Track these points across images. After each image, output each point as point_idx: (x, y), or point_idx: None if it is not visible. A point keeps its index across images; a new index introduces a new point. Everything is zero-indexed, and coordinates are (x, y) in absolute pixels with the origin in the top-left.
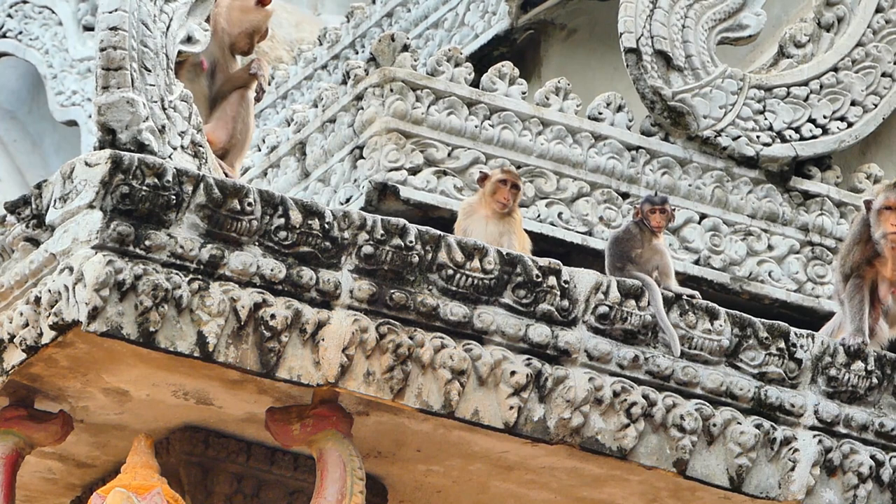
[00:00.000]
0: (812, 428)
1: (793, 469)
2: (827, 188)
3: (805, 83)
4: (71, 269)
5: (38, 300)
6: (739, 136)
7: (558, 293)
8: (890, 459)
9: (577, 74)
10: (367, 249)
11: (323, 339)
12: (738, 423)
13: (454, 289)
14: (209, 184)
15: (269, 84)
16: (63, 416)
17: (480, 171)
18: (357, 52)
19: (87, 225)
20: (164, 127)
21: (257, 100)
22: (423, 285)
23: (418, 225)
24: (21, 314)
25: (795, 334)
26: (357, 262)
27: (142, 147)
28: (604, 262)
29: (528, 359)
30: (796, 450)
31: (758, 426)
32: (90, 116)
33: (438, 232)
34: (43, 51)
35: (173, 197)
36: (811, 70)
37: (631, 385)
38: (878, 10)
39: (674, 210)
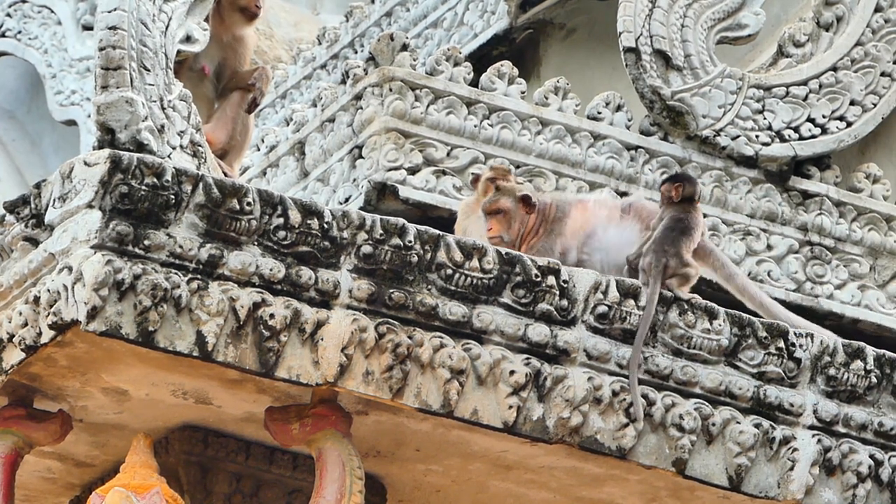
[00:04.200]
0: (811, 427)
1: (792, 468)
2: (826, 188)
3: (804, 83)
4: (70, 269)
5: (37, 300)
6: (738, 136)
7: (557, 293)
8: (889, 459)
9: (576, 74)
10: (367, 249)
11: (322, 339)
12: (738, 422)
13: (453, 288)
14: (208, 183)
15: (268, 85)
16: (62, 416)
17: (472, 174)
18: (356, 52)
19: (87, 224)
20: (163, 126)
21: (248, 111)
22: (422, 285)
23: (417, 224)
24: (20, 314)
25: (794, 334)
26: (356, 261)
27: (141, 147)
28: None
29: (528, 358)
30: (795, 449)
31: (757, 426)
32: (89, 116)
33: (437, 231)
34: (42, 50)
35: (172, 196)
36: (810, 69)
37: (630, 384)
38: (878, 9)
39: None
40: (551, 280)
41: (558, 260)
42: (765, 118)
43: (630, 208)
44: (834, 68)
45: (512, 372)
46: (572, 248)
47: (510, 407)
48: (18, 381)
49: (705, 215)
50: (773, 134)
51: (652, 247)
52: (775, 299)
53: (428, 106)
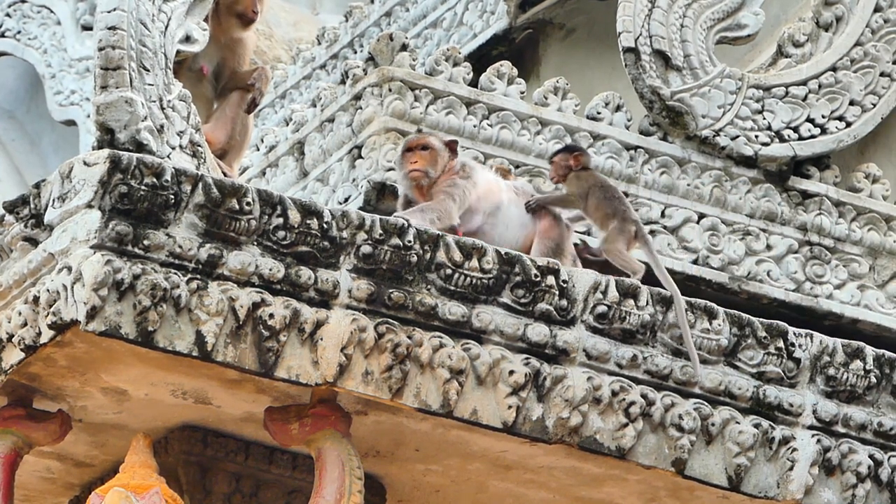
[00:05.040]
0: (811, 427)
1: (791, 468)
2: (825, 188)
3: (804, 83)
4: (69, 269)
5: (36, 300)
6: (738, 136)
7: (557, 293)
8: (888, 459)
9: (575, 74)
10: (366, 249)
11: (321, 339)
12: (737, 422)
13: (453, 288)
14: (208, 183)
15: (267, 85)
16: (62, 416)
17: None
18: (355, 52)
19: (86, 224)
20: (162, 126)
21: (247, 111)
22: (422, 285)
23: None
24: (20, 314)
25: (794, 334)
26: (355, 261)
27: (140, 147)
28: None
29: (527, 358)
30: (795, 449)
31: (756, 426)
32: (88, 116)
33: (437, 231)
34: (41, 50)
35: (172, 196)
36: (810, 70)
37: (629, 384)
38: (877, 9)
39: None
40: (551, 280)
41: (465, 195)
42: (764, 118)
43: (520, 191)
44: (833, 68)
45: (511, 372)
46: (479, 211)
47: (509, 407)
48: (18, 381)
49: (705, 215)
50: (773, 134)
51: (631, 216)
52: (774, 300)
53: (427, 106)
